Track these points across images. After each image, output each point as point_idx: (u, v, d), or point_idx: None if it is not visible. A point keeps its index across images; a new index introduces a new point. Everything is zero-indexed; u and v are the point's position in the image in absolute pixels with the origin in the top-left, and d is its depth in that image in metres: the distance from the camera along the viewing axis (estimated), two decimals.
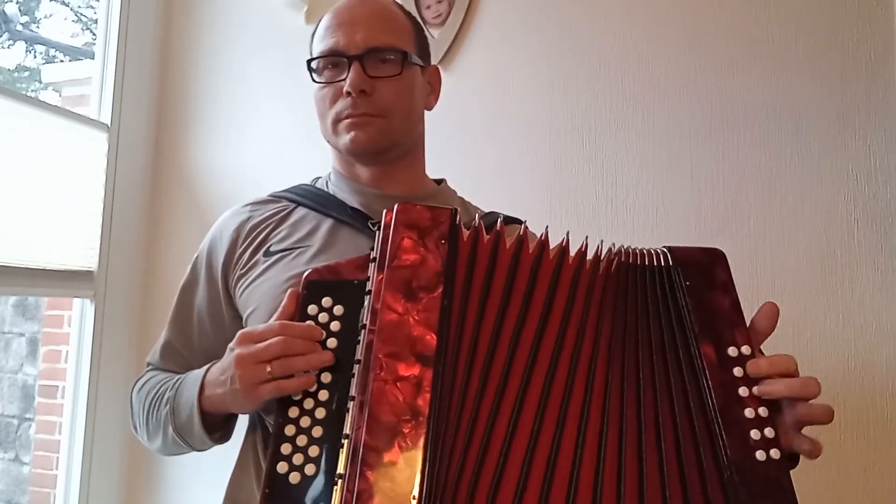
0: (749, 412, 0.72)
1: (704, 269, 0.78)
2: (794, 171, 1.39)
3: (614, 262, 0.80)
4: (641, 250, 0.81)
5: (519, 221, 1.04)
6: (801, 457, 0.76)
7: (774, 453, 0.70)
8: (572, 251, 0.80)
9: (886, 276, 1.31)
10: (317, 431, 0.73)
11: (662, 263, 0.80)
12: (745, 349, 0.75)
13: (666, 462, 0.72)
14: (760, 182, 1.41)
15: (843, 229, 1.34)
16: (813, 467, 1.30)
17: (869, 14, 1.35)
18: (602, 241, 0.81)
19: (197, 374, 0.88)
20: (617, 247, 0.81)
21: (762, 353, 0.78)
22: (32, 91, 2.98)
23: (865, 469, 1.29)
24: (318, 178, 1.07)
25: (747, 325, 0.77)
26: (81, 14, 3.23)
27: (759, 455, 0.70)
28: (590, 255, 0.80)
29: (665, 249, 0.80)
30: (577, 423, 0.73)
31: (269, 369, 0.75)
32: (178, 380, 0.92)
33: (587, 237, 0.81)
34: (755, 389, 0.73)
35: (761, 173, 1.41)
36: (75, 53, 3.14)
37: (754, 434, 0.71)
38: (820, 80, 1.38)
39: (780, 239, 1.38)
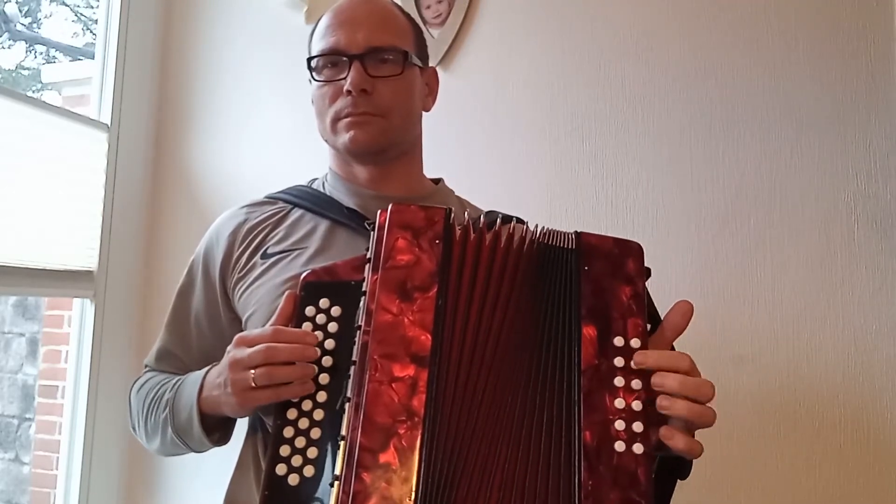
0: (619, 402, 0.71)
1: (612, 259, 0.78)
2: (794, 171, 1.38)
3: (534, 243, 0.80)
4: (559, 232, 0.81)
5: (522, 222, 1.04)
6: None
7: (637, 447, 0.70)
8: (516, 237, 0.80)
9: (886, 276, 1.31)
10: (315, 433, 0.73)
11: (567, 246, 0.80)
12: (635, 342, 0.74)
13: (535, 443, 0.72)
14: (760, 182, 1.40)
15: (843, 229, 1.34)
16: (813, 468, 1.31)
17: (869, 14, 1.35)
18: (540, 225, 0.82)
19: (197, 375, 0.88)
20: (541, 229, 0.81)
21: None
22: (32, 91, 2.97)
23: (866, 469, 1.29)
24: (315, 179, 1.07)
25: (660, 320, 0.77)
26: (81, 14, 3.23)
27: (619, 446, 0.70)
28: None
29: (574, 234, 0.80)
30: (512, 416, 0.73)
31: (252, 375, 0.74)
32: (177, 381, 0.92)
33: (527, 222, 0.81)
34: (633, 379, 0.72)
35: (761, 173, 1.40)
36: (75, 53, 3.13)
37: (619, 424, 0.70)
38: (820, 80, 1.38)
39: (780, 239, 1.38)
